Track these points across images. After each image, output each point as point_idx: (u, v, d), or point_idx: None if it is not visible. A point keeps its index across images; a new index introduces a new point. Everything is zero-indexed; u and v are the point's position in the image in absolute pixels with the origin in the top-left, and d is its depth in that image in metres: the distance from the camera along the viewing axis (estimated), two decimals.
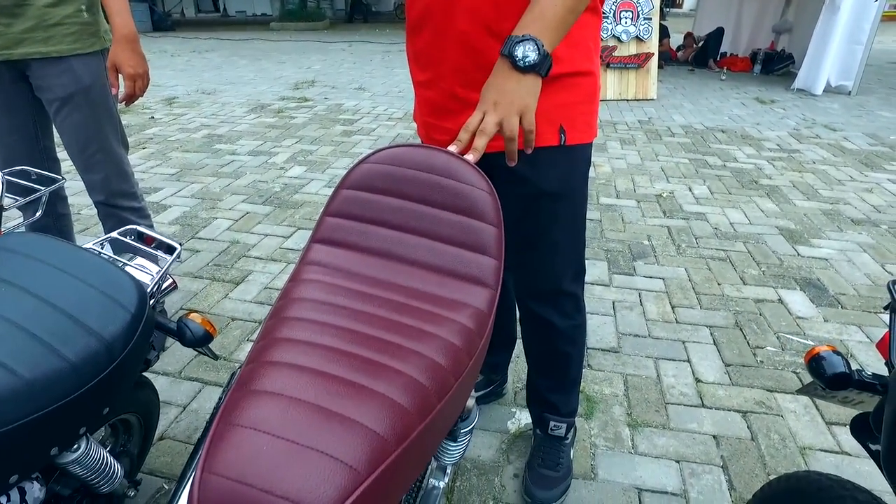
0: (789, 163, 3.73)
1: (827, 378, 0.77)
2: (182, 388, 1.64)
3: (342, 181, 0.76)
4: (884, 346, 0.79)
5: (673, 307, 2.09)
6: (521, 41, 0.78)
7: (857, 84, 5.83)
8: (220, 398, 0.82)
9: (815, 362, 0.80)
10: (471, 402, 0.79)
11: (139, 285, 0.83)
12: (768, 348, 1.87)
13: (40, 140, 1.66)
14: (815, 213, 2.93)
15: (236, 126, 4.44)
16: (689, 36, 8.06)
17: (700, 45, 7.72)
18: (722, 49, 7.72)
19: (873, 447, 0.78)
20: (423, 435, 0.51)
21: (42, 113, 1.61)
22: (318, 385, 0.49)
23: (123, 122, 1.76)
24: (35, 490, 0.76)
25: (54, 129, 1.66)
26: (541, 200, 1.05)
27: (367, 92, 5.76)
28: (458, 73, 0.96)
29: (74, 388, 0.71)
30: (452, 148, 0.78)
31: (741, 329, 1.97)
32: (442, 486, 0.98)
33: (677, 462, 1.44)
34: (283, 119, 4.66)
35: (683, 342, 1.90)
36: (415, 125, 4.47)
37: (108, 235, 0.99)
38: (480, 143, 0.77)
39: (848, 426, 0.83)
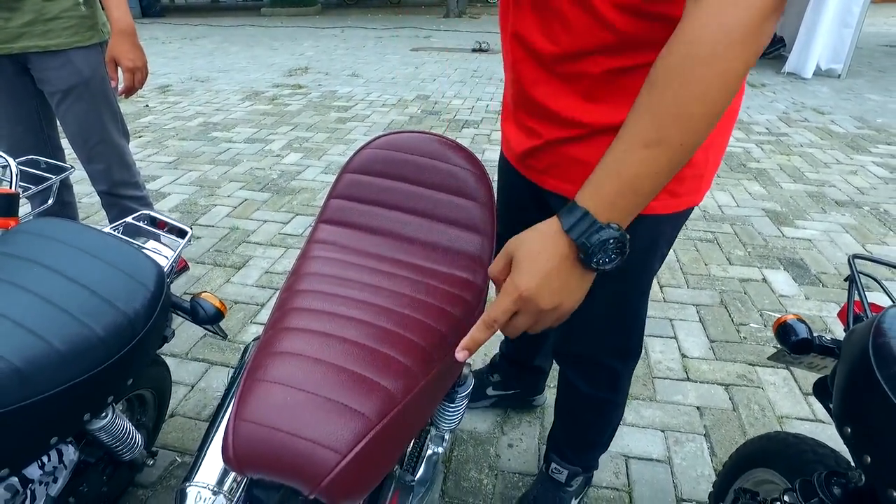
0: (777, 146, 3.80)
1: (791, 344, 0.85)
2: (190, 368, 1.71)
3: (345, 165, 0.82)
4: (844, 315, 0.87)
5: (661, 287, 2.17)
6: (601, 231, 0.53)
7: (847, 67, 5.88)
8: (236, 370, 0.88)
9: (781, 329, 0.87)
10: (466, 370, 0.86)
11: (157, 266, 0.89)
12: (751, 325, 1.96)
13: (44, 129, 1.70)
14: (801, 196, 3.01)
15: (231, 114, 4.46)
16: None
17: None
18: None
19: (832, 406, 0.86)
20: (424, 391, 0.58)
21: (45, 104, 1.65)
22: (331, 346, 0.56)
23: None
24: (70, 452, 0.83)
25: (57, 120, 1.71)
26: None
27: (360, 78, 5.77)
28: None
29: (103, 359, 0.77)
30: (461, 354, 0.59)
31: (726, 307, 2.05)
32: (441, 452, 1.05)
33: (663, 431, 1.52)
34: (277, 106, 4.67)
35: (671, 320, 1.98)
36: (409, 111, 4.51)
37: (123, 220, 1.05)
38: (482, 337, 0.57)
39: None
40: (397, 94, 5.10)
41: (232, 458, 0.49)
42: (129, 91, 1.58)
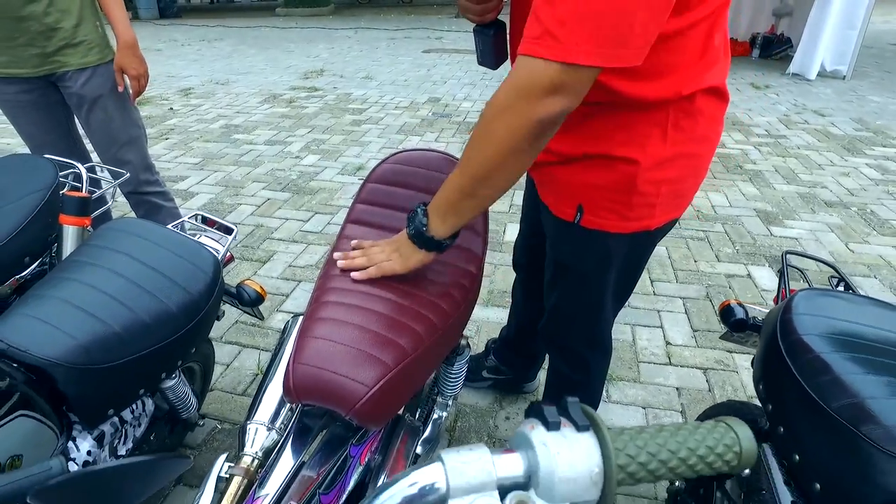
0: (775, 148, 3.94)
1: (731, 323, 1.03)
2: (225, 350, 1.93)
3: (368, 177, 1.02)
4: (776, 301, 1.05)
5: (651, 281, 2.34)
6: (416, 214, 0.83)
7: (851, 68, 5.97)
8: (279, 343, 1.08)
9: (724, 312, 1.05)
10: (463, 341, 1.06)
11: (214, 256, 1.10)
12: None
13: (72, 134, 1.93)
14: (792, 196, 3.16)
15: (251, 116, 4.68)
16: None
17: None
18: None
19: None
20: (429, 348, 0.77)
21: (69, 110, 1.88)
22: (360, 315, 0.76)
23: (144, 114, 2.01)
24: (149, 405, 1.04)
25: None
26: (552, 262, 1.12)
27: (374, 81, 5.97)
28: None
29: (176, 330, 0.98)
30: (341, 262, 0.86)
31: (711, 300, 2.23)
32: (444, 416, 1.25)
33: (644, 408, 1.71)
34: (295, 109, 4.89)
35: (658, 311, 2.16)
36: (420, 114, 4.69)
37: (180, 220, 1.26)
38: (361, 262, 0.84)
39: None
40: (409, 96, 5.30)
41: (291, 390, 0.69)
42: (136, 95, 1.85)
